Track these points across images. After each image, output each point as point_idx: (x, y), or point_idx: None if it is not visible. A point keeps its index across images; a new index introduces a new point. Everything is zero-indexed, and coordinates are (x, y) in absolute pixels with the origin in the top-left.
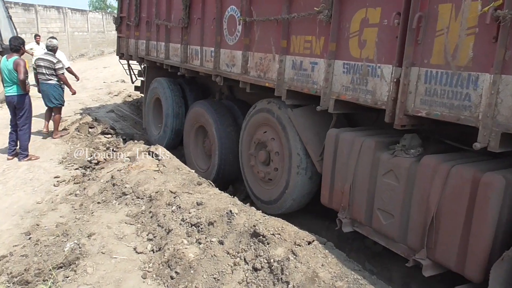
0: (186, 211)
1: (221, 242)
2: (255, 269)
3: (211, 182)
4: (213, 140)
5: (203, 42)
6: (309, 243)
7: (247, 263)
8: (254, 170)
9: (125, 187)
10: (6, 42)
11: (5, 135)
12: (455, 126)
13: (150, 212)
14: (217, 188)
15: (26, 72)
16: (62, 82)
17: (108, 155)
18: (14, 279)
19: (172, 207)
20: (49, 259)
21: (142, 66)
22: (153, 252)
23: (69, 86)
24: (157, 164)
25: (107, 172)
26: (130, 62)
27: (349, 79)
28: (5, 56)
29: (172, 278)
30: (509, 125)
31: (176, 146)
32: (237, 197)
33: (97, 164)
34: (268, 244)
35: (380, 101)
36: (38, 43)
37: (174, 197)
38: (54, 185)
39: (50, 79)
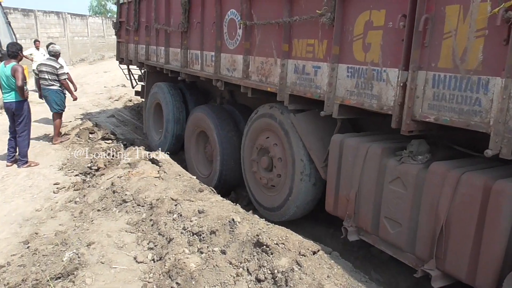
0: (187, 219)
1: (223, 252)
2: (259, 280)
3: (213, 189)
4: (215, 145)
5: (203, 47)
6: (314, 253)
7: (250, 274)
8: (256, 176)
9: (126, 194)
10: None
11: (5, 141)
12: (463, 132)
13: (151, 220)
14: (219, 195)
15: (24, 78)
16: (64, 88)
17: (109, 161)
18: None
19: (173, 215)
20: (47, 269)
21: (142, 71)
22: (154, 262)
23: (70, 92)
24: (158, 171)
25: (107, 179)
26: (130, 67)
27: (354, 83)
28: (3, 62)
29: None
30: None
31: (177, 152)
32: (239, 203)
33: (97, 170)
34: (271, 254)
35: (386, 106)
36: (37, 48)
37: (175, 205)
38: (54, 192)
39: (53, 85)
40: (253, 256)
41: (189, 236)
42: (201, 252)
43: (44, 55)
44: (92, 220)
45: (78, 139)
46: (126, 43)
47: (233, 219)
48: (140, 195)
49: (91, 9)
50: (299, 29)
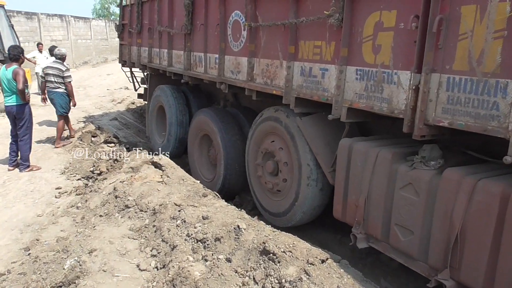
0: (191, 225)
1: (228, 260)
2: None
3: (217, 194)
4: (218, 149)
5: (206, 49)
6: (323, 261)
7: (257, 283)
8: (261, 181)
9: (128, 199)
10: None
11: (6, 145)
12: (477, 136)
13: (154, 226)
14: (223, 200)
15: (25, 82)
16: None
17: (111, 165)
18: None
19: (176, 221)
20: (48, 277)
21: (145, 74)
22: (157, 270)
23: (72, 97)
24: (161, 175)
25: (110, 184)
26: (133, 69)
27: (363, 86)
28: (4, 66)
29: None
30: None
31: (180, 155)
32: (244, 208)
33: (99, 174)
34: (279, 262)
35: (397, 109)
36: (40, 51)
37: (179, 211)
38: (56, 197)
39: (58, 87)
40: (260, 264)
41: (193, 243)
42: (206, 260)
43: (47, 58)
44: (94, 226)
45: (81, 142)
46: (129, 45)
47: (238, 226)
48: (143, 200)
49: (94, 12)
50: (305, 30)
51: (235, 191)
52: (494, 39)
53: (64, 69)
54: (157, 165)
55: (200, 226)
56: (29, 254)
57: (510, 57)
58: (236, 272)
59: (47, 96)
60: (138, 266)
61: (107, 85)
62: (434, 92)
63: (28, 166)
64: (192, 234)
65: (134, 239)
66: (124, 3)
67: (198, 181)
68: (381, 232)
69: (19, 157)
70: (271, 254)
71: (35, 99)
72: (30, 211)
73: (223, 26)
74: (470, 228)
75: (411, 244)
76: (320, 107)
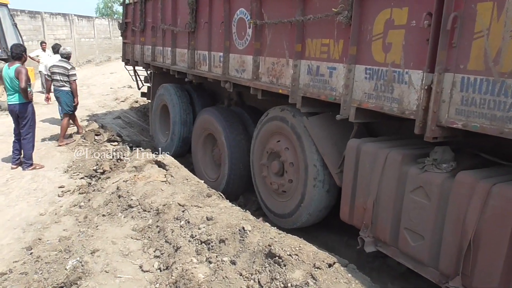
0: (195, 226)
1: (233, 262)
2: None
3: (221, 194)
4: (223, 148)
5: (211, 47)
6: (330, 265)
7: (262, 287)
8: (266, 181)
9: (131, 199)
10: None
11: (10, 144)
12: (489, 138)
13: (157, 226)
14: (228, 200)
15: (27, 80)
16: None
17: (114, 164)
18: None
19: (180, 221)
20: (49, 277)
21: (148, 72)
22: (160, 271)
23: (76, 96)
24: (165, 175)
25: (113, 183)
26: (136, 68)
27: (372, 86)
28: (6, 64)
29: None
30: None
31: (184, 154)
32: (248, 208)
33: (103, 173)
34: (284, 266)
35: (408, 110)
36: (44, 50)
37: (183, 211)
38: (59, 196)
39: (64, 86)
40: (265, 267)
41: (197, 244)
42: (210, 262)
43: (50, 56)
44: (97, 226)
45: (84, 141)
46: (132, 44)
47: (243, 228)
48: (146, 200)
49: (97, 11)
50: (313, 28)
51: (239, 191)
52: None
53: (69, 67)
54: (160, 165)
55: (204, 227)
56: (31, 253)
57: None
58: (240, 275)
59: (52, 95)
60: (141, 267)
61: (110, 83)
62: (447, 92)
63: (31, 165)
64: (196, 235)
65: (137, 239)
66: (127, 1)
67: (202, 181)
68: (389, 236)
69: (22, 156)
70: (276, 257)
71: (38, 98)
72: (33, 210)
73: (228, 24)
74: (484, 234)
75: (421, 249)
76: (327, 107)
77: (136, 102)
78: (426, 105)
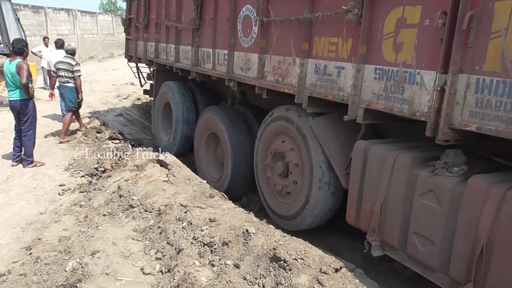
0: (198, 228)
1: (236, 266)
2: None
3: (224, 195)
4: (226, 148)
5: (215, 44)
6: (337, 270)
7: None
8: (270, 182)
9: (133, 199)
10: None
11: (11, 140)
12: (503, 141)
13: (159, 227)
14: (231, 201)
15: (29, 76)
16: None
17: (116, 163)
18: None
19: (182, 223)
20: (49, 279)
21: (151, 69)
22: (162, 274)
23: (79, 91)
24: (167, 174)
25: (114, 182)
26: (139, 65)
27: (382, 86)
28: (8, 59)
29: None
30: None
31: (186, 153)
32: (251, 209)
33: (104, 171)
34: (290, 270)
35: (419, 112)
36: (46, 45)
37: (185, 212)
38: (59, 194)
39: (69, 82)
40: (270, 272)
41: (199, 246)
42: (213, 265)
43: (52, 51)
44: (97, 226)
45: (85, 138)
46: (135, 40)
47: (247, 230)
48: (148, 200)
49: (101, 7)
50: (321, 26)
51: (242, 192)
52: None
53: (74, 63)
54: (162, 164)
55: (207, 229)
56: (30, 254)
57: None
58: (244, 279)
59: (56, 91)
60: (142, 269)
61: (112, 80)
62: (461, 94)
63: (32, 162)
64: (198, 237)
65: (138, 240)
66: None
67: (205, 181)
68: (397, 240)
69: (22, 153)
70: (281, 261)
71: (40, 94)
72: (33, 209)
73: (233, 21)
74: (498, 239)
75: (430, 255)
76: (333, 107)
77: (138, 99)
78: (439, 106)
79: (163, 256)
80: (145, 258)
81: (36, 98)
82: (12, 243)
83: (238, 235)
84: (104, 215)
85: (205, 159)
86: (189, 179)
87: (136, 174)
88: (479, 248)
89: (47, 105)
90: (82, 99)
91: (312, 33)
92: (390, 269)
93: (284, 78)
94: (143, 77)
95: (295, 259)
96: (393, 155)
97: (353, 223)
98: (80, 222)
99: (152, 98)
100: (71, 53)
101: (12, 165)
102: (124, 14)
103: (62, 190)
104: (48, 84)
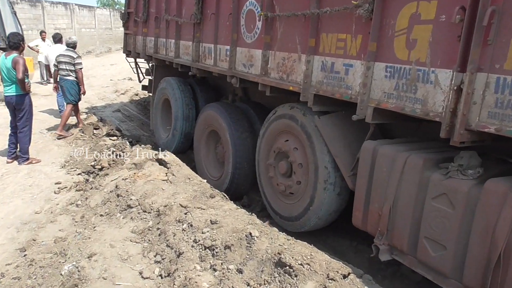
0: (198, 230)
1: (239, 271)
2: None
3: (225, 195)
4: (227, 146)
5: (217, 40)
6: (345, 276)
7: None
8: (273, 182)
9: (131, 199)
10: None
11: (6, 136)
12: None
13: (158, 229)
14: (232, 202)
15: (25, 71)
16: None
17: (113, 160)
18: None
19: (182, 224)
20: (44, 282)
21: (150, 65)
22: (161, 278)
23: (82, 84)
24: (166, 173)
25: (111, 181)
26: (138, 60)
27: (393, 85)
28: (3, 54)
29: None
30: None
31: (185, 151)
32: (252, 209)
33: (101, 169)
34: (295, 276)
35: (432, 112)
36: (43, 39)
37: (185, 213)
38: (55, 192)
39: (69, 75)
40: (274, 277)
41: (200, 250)
42: (215, 270)
43: (49, 46)
44: (94, 227)
45: (82, 135)
46: (134, 35)
47: (250, 233)
48: (147, 200)
49: (99, 1)
50: (328, 22)
51: (243, 191)
52: None
53: (75, 56)
54: (161, 162)
55: (208, 232)
56: (25, 255)
57: None
58: (248, 285)
59: (58, 84)
60: (140, 273)
61: (110, 75)
62: (479, 93)
63: (28, 159)
64: (199, 240)
65: (137, 242)
66: None
67: (205, 181)
68: (407, 244)
69: (18, 149)
70: (287, 267)
71: (37, 89)
72: (28, 208)
73: (236, 16)
74: None
75: (443, 260)
76: (340, 106)
77: (137, 95)
78: (455, 107)
79: (163, 259)
80: (143, 261)
81: (32, 93)
82: (7, 244)
83: (241, 238)
84: (101, 215)
85: (205, 157)
86: (189, 178)
87: (134, 173)
88: (496, 255)
89: (44, 100)
90: (84, 92)
91: (319, 29)
92: (397, 273)
93: (289, 75)
94: (142, 73)
95: (301, 264)
96: (404, 156)
97: (360, 225)
98: (76, 222)
99: (150, 94)
100: (72, 46)
101: (7, 162)
102: (122, 8)
103: (58, 188)
104: (45, 79)
